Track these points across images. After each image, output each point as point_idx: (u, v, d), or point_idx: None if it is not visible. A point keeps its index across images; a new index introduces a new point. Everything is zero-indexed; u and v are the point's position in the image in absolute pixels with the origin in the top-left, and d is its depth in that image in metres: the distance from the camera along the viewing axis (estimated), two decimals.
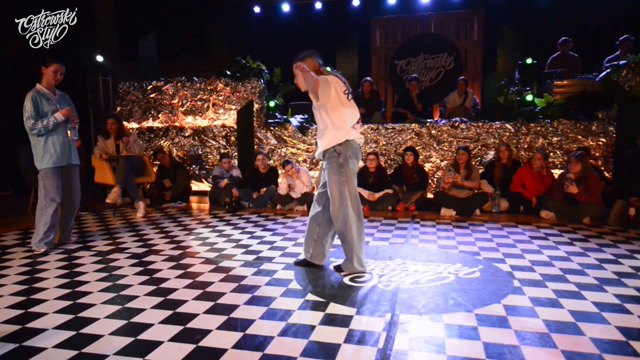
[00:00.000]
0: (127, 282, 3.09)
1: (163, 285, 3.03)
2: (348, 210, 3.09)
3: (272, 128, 7.34)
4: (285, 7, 9.71)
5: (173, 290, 2.93)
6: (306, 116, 7.26)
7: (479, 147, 6.52)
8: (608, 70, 6.25)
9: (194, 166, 7.61)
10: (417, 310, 2.55)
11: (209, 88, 7.60)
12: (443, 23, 9.67)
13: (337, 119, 3.09)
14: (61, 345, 2.16)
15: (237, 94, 7.49)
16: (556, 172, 5.83)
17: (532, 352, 2.05)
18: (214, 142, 7.57)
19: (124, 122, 7.12)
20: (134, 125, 7.87)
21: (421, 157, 6.63)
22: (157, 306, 2.65)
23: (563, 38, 7.47)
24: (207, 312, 2.55)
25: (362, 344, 2.15)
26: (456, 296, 2.77)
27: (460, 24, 9.60)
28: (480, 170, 6.08)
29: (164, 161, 6.85)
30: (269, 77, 7.75)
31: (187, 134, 7.65)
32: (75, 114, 4.08)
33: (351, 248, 3.17)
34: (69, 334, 2.29)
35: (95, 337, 2.24)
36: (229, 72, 7.61)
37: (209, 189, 7.10)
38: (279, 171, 6.81)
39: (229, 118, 7.53)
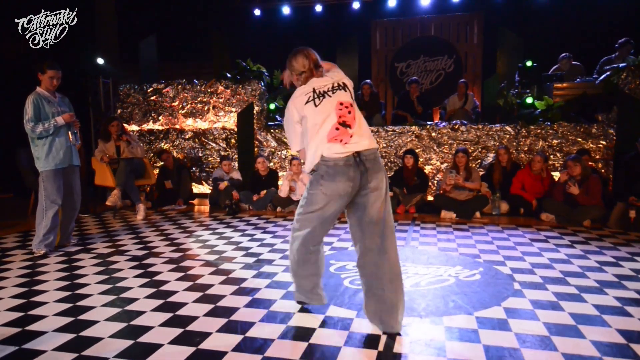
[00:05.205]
0: (127, 285, 3.08)
1: (163, 287, 3.03)
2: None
3: (272, 130, 7.34)
4: (286, 10, 9.72)
5: (173, 292, 2.92)
6: None
7: (479, 149, 6.52)
8: (608, 72, 6.26)
9: (194, 168, 7.61)
10: (417, 313, 2.55)
11: (209, 90, 7.60)
12: (443, 26, 9.68)
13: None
14: (61, 348, 2.16)
15: (238, 96, 7.49)
16: (556, 175, 5.83)
17: (533, 355, 2.05)
18: (214, 145, 7.57)
19: (125, 125, 7.12)
20: (135, 127, 7.88)
21: (421, 159, 6.62)
22: (157, 308, 2.64)
23: (563, 55, 7.41)
24: (207, 314, 2.55)
25: (363, 347, 2.14)
26: (456, 299, 2.77)
27: (460, 27, 9.60)
28: (481, 173, 6.08)
29: (168, 162, 6.85)
30: (269, 80, 7.75)
31: (187, 137, 7.66)
32: (75, 118, 4.08)
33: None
34: (68, 336, 2.28)
35: (95, 340, 2.24)
36: (229, 75, 7.61)
37: (209, 191, 7.09)
38: (280, 173, 6.81)
39: (229, 120, 7.54)
